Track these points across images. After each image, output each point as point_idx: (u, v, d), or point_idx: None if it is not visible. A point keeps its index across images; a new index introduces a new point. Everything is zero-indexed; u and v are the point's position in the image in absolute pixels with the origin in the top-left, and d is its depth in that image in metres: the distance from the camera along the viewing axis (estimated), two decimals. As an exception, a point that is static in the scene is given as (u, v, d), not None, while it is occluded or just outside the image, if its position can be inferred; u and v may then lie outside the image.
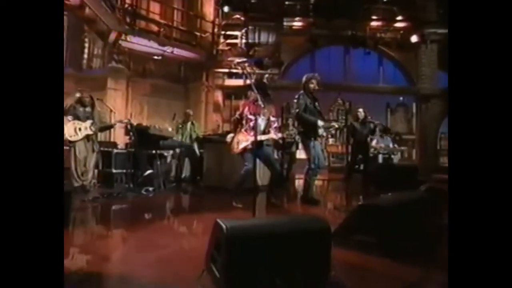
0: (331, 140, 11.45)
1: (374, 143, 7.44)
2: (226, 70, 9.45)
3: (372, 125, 6.68)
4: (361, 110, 6.50)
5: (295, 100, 4.18)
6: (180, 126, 5.99)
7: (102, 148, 5.80)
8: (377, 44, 10.87)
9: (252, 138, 3.69)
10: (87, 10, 5.85)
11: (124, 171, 5.31)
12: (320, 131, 4.14)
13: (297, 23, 10.56)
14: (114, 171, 5.27)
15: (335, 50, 11.41)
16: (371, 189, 6.11)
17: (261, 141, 3.87)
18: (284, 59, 10.67)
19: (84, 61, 7.75)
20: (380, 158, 7.36)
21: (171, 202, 4.66)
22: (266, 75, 9.25)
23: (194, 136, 6.07)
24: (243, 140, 3.88)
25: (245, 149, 3.86)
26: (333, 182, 7.79)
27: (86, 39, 7.73)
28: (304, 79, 4.29)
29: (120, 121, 4.59)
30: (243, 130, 3.95)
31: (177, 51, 7.22)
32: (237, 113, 4.14)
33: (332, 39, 10.85)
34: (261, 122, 3.92)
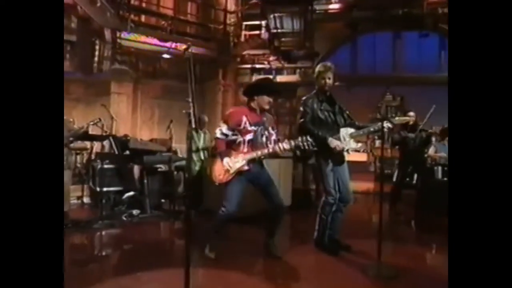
0: (377, 142, 9.96)
1: (431, 151, 5.79)
2: (249, 66, 8.35)
3: (424, 134, 5.17)
4: (412, 114, 5.05)
5: (301, 108, 2.99)
6: (195, 134, 5.01)
7: (99, 160, 5.23)
8: (438, 22, 8.58)
9: (248, 157, 2.73)
10: (79, 8, 5.23)
11: (111, 189, 4.57)
12: (352, 144, 2.90)
13: (334, 5, 8.95)
14: (98, 189, 4.56)
15: (382, 35, 9.59)
16: (428, 215, 4.73)
17: (261, 162, 2.84)
18: (319, 50, 9.18)
19: (95, 65, 7.29)
20: (439, 172, 5.59)
21: (146, 236, 3.69)
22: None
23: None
24: (236, 162, 2.75)
25: (238, 173, 2.73)
26: (378, 195, 6.28)
27: (97, 41, 7.25)
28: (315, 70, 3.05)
29: (93, 122, 3.86)
30: (235, 148, 2.81)
31: (181, 47, 6.28)
32: (221, 128, 2.88)
33: (378, 21, 8.97)
34: (262, 137, 2.82)
